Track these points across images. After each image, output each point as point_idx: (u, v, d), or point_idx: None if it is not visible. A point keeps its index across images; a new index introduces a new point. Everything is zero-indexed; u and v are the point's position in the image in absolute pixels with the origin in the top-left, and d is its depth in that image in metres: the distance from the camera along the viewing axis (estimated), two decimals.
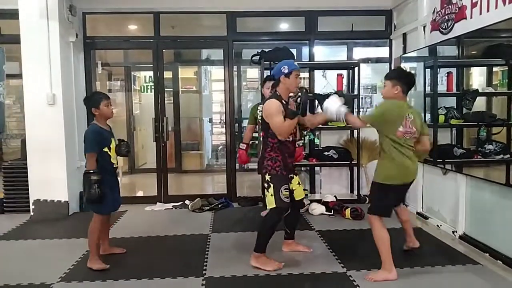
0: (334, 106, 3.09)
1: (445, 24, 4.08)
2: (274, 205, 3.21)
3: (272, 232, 3.28)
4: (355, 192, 5.48)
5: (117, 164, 3.51)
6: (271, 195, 3.22)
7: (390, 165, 3.07)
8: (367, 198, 4.53)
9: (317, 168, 5.70)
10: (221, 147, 8.42)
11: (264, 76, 5.40)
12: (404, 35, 5.20)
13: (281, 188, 3.21)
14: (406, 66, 5.22)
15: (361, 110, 6.02)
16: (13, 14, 4.76)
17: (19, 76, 5.02)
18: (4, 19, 5.16)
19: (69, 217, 4.91)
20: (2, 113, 4.89)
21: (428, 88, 4.42)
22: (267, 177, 3.25)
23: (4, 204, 5.08)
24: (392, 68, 5.51)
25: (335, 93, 3.81)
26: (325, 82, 6.41)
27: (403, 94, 3.13)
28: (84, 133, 3.40)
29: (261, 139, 3.46)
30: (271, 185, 3.22)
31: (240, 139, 7.90)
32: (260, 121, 3.47)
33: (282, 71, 3.22)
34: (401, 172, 3.08)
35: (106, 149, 3.31)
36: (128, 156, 3.58)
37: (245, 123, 7.84)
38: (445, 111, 4.15)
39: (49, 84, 4.81)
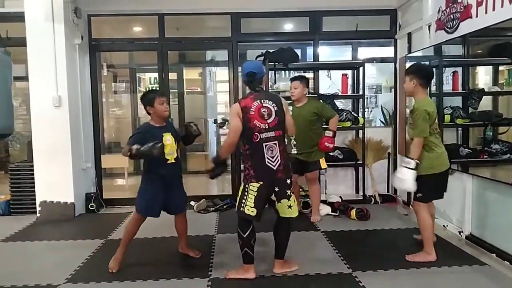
0: (411, 182, 3.21)
1: (451, 23, 4.06)
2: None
3: (244, 240, 3.06)
4: (361, 192, 5.46)
5: (173, 158, 3.28)
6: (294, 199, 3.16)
7: (432, 156, 3.26)
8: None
9: None
10: None
11: (269, 77, 5.41)
12: (409, 34, 5.18)
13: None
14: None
15: (366, 109, 6.01)
16: (19, 17, 4.80)
17: (25, 78, 5.06)
18: (10, 22, 5.20)
19: (75, 218, 4.93)
20: (12, 115, 4.92)
21: (433, 88, 4.39)
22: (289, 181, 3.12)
23: (11, 206, 5.12)
24: (397, 68, 5.50)
25: None
26: (330, 82, 6.41)
27: (422, 88, 3.27)
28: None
29: (276, 140, 3.07)
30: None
31: None
32: (276, 119, 3.07)
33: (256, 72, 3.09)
34: (439, 161, 3.29)
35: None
36: (199, 135, 3.46)
37: None
38: (451, 110, 4.14)
39: (55, 86, 4.84)
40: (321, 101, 4.86)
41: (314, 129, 4.48)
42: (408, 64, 5.04)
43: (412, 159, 3.19)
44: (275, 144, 3.01)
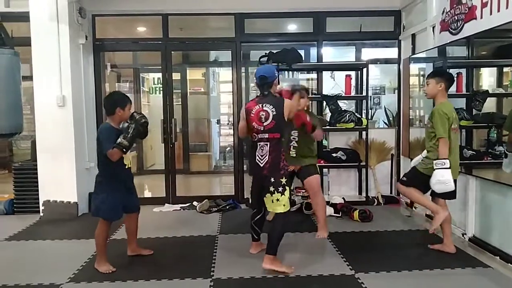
0: (452, 182, 3.26)
1: (455, 25, 4.05)
2: (288, 208, 3.26)
3: (283, 232, 3.32)
4: (364, 194, 5.44)
5: (130, 164, 3.44)
6: (288, 197, 3.27)
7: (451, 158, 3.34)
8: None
9: (325, 170, 5.66)
10: (228, 148, 8.43)
11: None
12: (413, 35, 5.17)
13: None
14: (415, 67, 5.20)
15: (369, 111, 6.00)
16: (23, 17, 4.81)
17: (29, 78, 5.07)
18: (15, 22, 5.21)
19: (78, 218, 4.95)
20: (22, 114, 4.94)
21: None
22: (284, 180, 3.24)
23: (15, 205, 5.14)
24: (401, 69, 5.48)
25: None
26: (333, 83, 6.40)
27: (445, 91, 3.40)
28: (97, 133, 3.34)
29: (267, 141, 3.26)
30: (287, 188, 3.27)
31: (248, 140, 7.92)
32: (273, 123, 3.25)
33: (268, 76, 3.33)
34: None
35: None
36: (146, 121, 3.36)
37: None
38: (455, 112, 4.11)
39: (59, 86, 4.86)
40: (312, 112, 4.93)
41: (303, 133, 4.31)
42: (412, 65, 5.05)
43: (445, 159, 3.26)
44: (266, 144, 3.26)
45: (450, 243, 3.59)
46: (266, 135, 3.25)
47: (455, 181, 3.35)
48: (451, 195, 3.45)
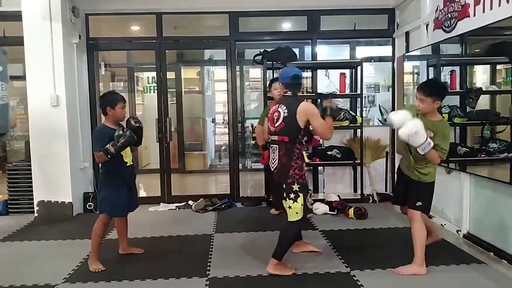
0: (422, 138, 2.89)
1: (448, 22, 4.07)
2: (302, 216, 3.08)
3: (294, 240, 3.33)
4: (359, 191, 5.47)
5: (130, 160, 3.41)
6: (301, 204, 3.05)
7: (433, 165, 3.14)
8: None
9: (320, 168, 5.69)
10: (224, 147, 8.43)
11: (267, 76, 5.42)
12: (407, 33, 5.19)
13: (308, 197, 3.13)
14: (409, 64, 5.22)
15: (364, 108, 6.01)
16: (16, 16, 4.78)
17: (22, 77, 5.04)
18: (7, 21, 5.18)
19: (73, 218, 4.93)
20: (7, 114, 4.91)
21: None
22: (296, 187, 3.04)
23: (9, 205, 5.11)
24: (395, 67, 5.50)
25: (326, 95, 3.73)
26: (328, 81, 6.42)
27: (437, 108, 3.14)
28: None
29: (277, 144, 3.14)
30: (300, 195, 3.05)
31: (243, 139, 7.95)
32: (282, 125, 3.09)
33: (300, 77, 3.23)
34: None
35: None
36: (140, 127, 3.41)
37: (247, 123, 7.86)
38: (449, 109, 4.14)
39: (53, 86, 4.83)
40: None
41: None
42: (406, 63, 5.06)
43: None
44: (276, 147, 3.13)
45: (436, 229, 3.56)
46: (276, 137, 3.11)
47: (432, 183, 3.20)
48: (426, 208, 3.22)
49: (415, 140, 2.91)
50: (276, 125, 3.10)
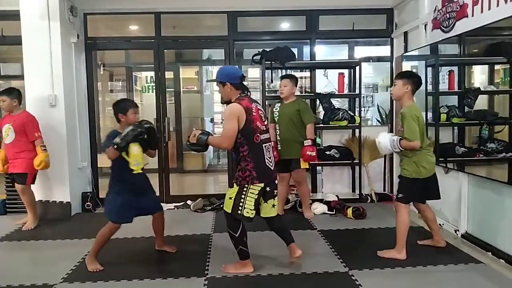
0: (387, 140, 3.33)
1: (447, 23, 4.07)
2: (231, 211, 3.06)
3: (237, 239, 3.11)
4: (357, 191, 5.47)
5: (139, 168, 3.26)
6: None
7: (417, 160, 3.33)
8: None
9: (318, 168, 5.69)
10: None
11: (266, 76, 5.40)
12: (405, 33, 5.20)
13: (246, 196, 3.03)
14: (407, 64, 5.22)
15: (362, 109, 6.02)
16: (14, 15, 4.77)
17: (20, 77, 5.03)
18: (5, 21, 5.17)
19: (71, 218, 4.92)
20: None
21: (429, 87, 4.41)
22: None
23: (7, 205, 5.09)
24: (393, 67, 5.51)
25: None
26: (326, 81, 6.42)
27: (411, 94, 3.35)
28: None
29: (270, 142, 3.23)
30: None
31: None
32: (268, 122, 3.28)
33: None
34: (425, 167, 3.34)
35: (123, 154, 3.17)
36: (151, 133, 3.40)
37: None
38: (447, 109, 4.15)
39: (51, 85, 4.81)
40: (307, 102, 5.04)
41: (298, 126, 4.59)
42: (404, 63, 5.07)
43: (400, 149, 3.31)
44: (270, 145, 3.15)
45: (440, 238, 3.64)
46: (268, 135, 3.15)
47: (433, 177, 3.40)
48: (422, 196, 3.50)
49: (388, 151, 3.49)
50: (266, 122, 3.17)
